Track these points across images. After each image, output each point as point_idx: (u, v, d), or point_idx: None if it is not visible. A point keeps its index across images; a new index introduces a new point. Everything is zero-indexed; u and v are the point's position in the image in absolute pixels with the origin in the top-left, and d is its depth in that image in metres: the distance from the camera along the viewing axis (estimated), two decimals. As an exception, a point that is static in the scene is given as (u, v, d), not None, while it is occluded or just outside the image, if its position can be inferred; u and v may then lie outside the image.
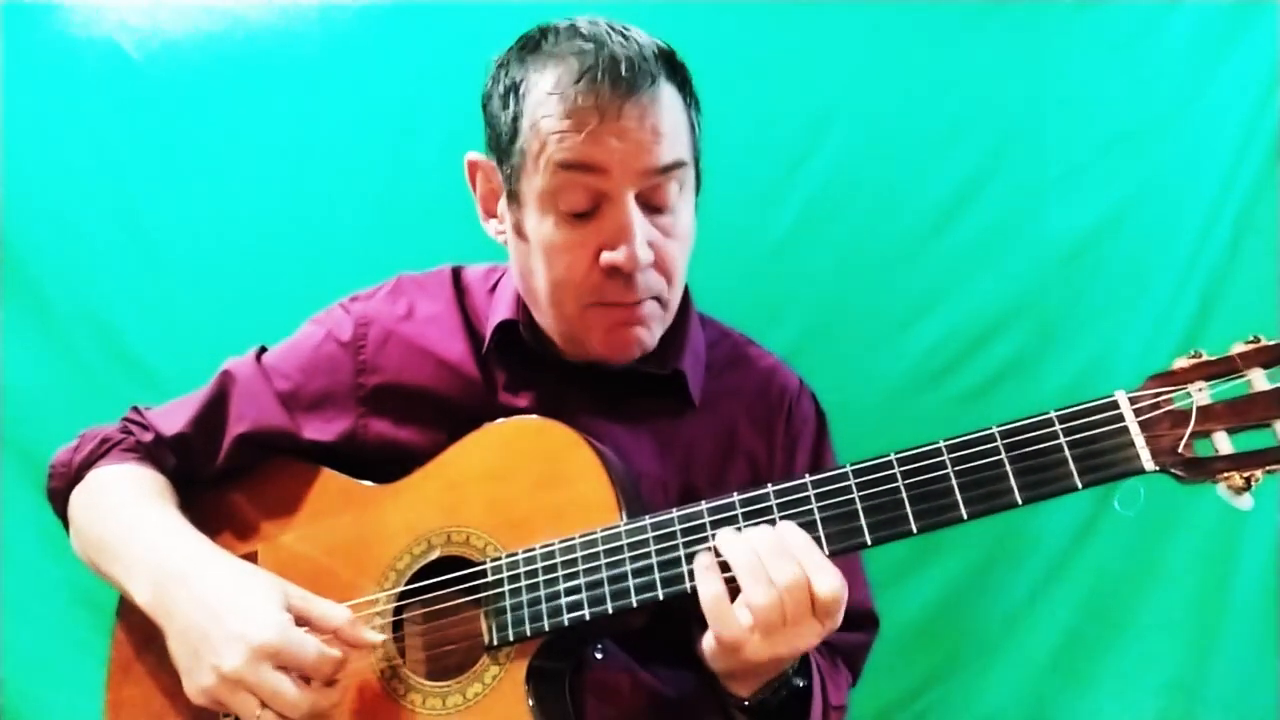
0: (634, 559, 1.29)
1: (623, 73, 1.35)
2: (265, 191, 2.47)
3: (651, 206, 1.42)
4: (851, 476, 1.23)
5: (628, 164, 1.37)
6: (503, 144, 1.47)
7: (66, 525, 1.61)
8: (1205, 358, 1.13)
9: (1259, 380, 1.09)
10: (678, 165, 1.41)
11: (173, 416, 1.62)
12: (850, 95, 2.49)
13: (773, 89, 2.49)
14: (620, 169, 1.37)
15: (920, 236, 2.47)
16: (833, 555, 1.23)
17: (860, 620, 1.65)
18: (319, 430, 1.57)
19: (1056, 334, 2.44)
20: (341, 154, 2.47)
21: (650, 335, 1.47)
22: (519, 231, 1.48)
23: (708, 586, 1.24)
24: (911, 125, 2.49)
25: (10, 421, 2.40)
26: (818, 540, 1.23)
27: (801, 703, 1.38)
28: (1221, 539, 2.34)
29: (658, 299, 1.45)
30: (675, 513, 1.30)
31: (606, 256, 1.38)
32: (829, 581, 1.20)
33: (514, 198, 1.47)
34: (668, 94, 1.41)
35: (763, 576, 1.21)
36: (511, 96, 1.43)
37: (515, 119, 1.42)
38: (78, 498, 1.58)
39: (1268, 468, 1.07)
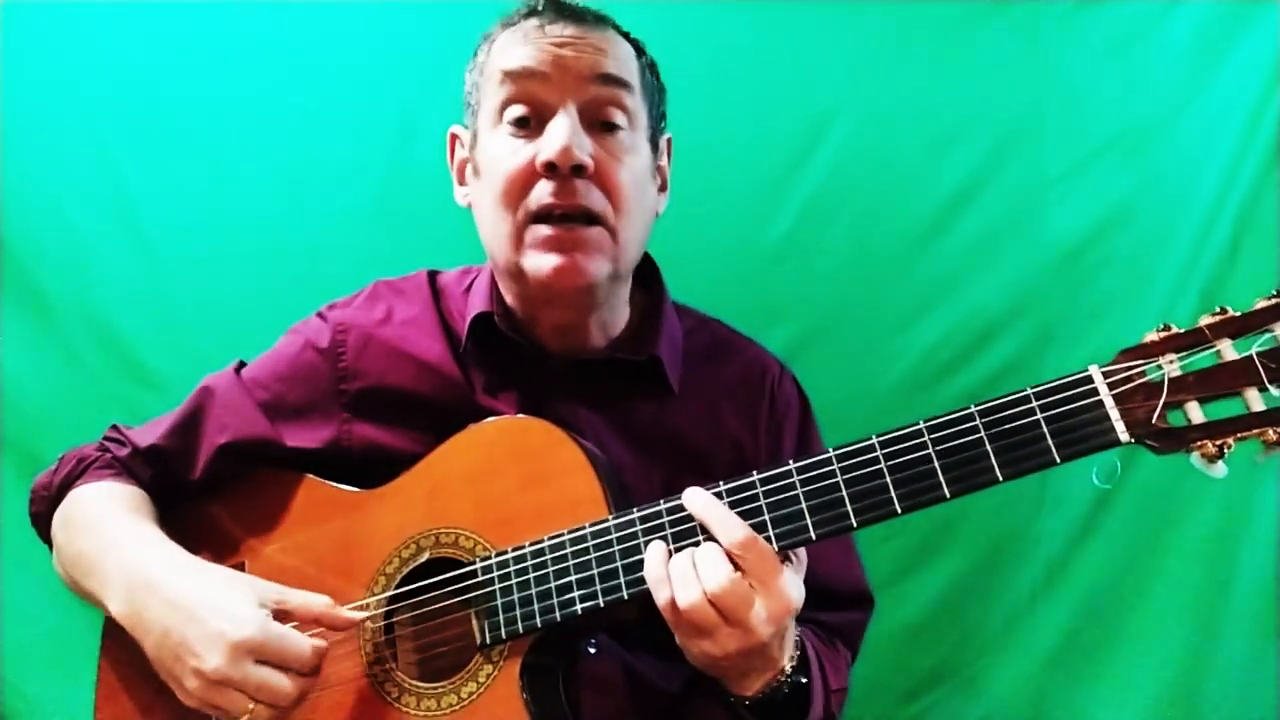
0: (624, 552, 1.30)
1: (569, 4, 1.50)
2: (265, 191, 2.47)
3: (596, 126, 1.48)
4: (835, 461, 1.26)
5: (567, 68, 1.45)
6: (470, 93, 1.56)
7: (51, 547, 1.62)
8: (1174, 330, 1.16)
9: (1227, 350, 1.13)
10: (621, 82, 1.49)
11: (149, 431, 1.64)
12: (850, 95, 2.48)
13: (773, 89, 2.49)
14: (560, 74, 1.45)
15: (920, 236, 2.47)
16: (820, 539, 1.25)
17: (855, 599, 1.68)
18: (302, 438, 1.58)
19: (1056, 334, 2.43)
20: (341, 154, 2.47)
21: (594, 265, 1.47)
22: (476, 169, 1.54)
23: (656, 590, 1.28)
24: (911, 125, 2.48)
25: (10, 421, 2.41)
26: (803, 526, 1.25)
27: (804, 696, 1.39)
28: (1221, 539, 2.33)
29: (602, 223, 1.47)
30: (663, 504, 1.31)
31: (541, 154, 1.42)
32: (716, 578, 1.22)
33: (475, 138, 1.54)
34: (615, 36, 1.52)
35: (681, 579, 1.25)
36: (479, 48, 1.55)
37: (479, 64, 1.54)
38: (57, 519, 1.59)
39: (1239, 435, 1.10)
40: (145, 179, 2.46)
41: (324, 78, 2.48)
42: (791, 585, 1.26)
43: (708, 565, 1.23)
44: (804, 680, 1.37)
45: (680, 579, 1.24)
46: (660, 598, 1.25)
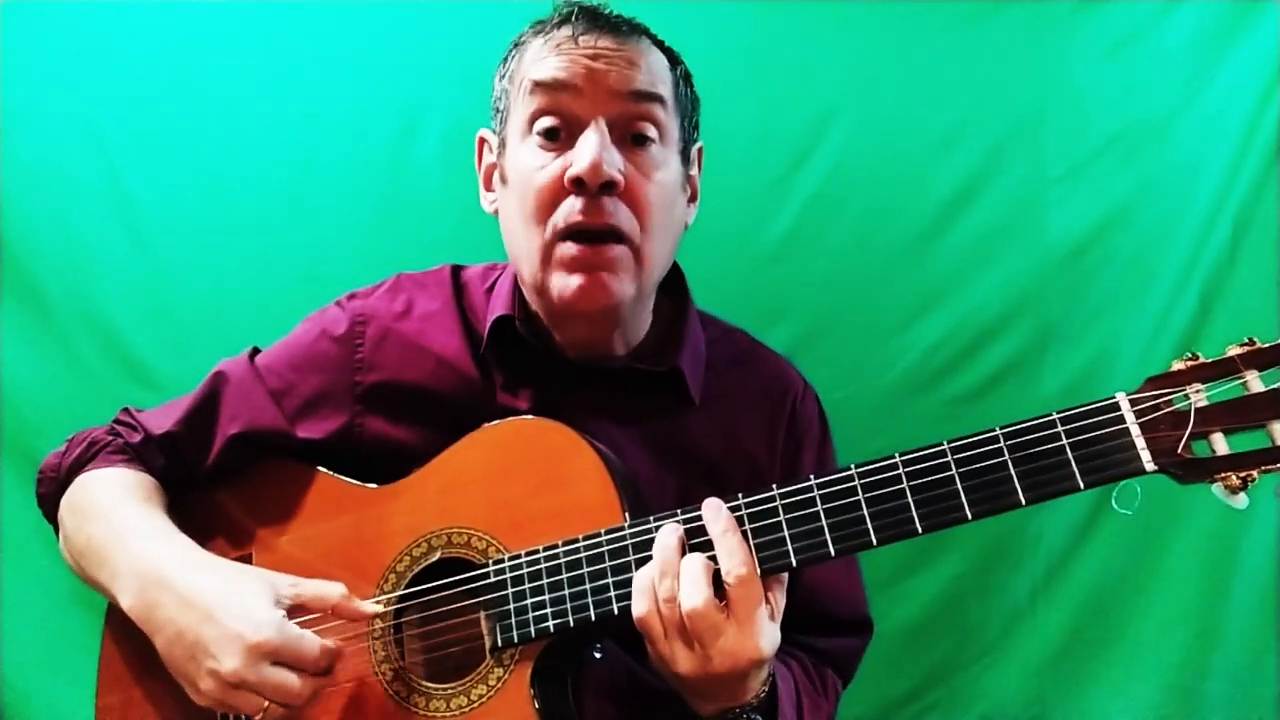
0: (640, 561, 1.29)
1: (603, 13, 1.47)
2: (265, 191, 2.47)
3: (627, 140, 1.45)
4: (857, 478, 1.24)
5: (599, 82, 1.42)
6: (499, 100, 1.54)
7: (57, 530, 1.61)
8: (1202, 360, 1.15)
9: (1254, 382, 1.12)
10: (654, 97, 1.46)
11: (163, 416, 1.62)
12: (850, 95, 2.49)
13: (773, 89, 2.49)
14: (591, 88, 1.42)
15: (920, 236, 2.47)
16: (839, 555, 1.24)
17: (855, 625, 1.67)
18: (313, 429, 1.57)
19: (1056, 334, 2.44)
20: (342, 153, 2.47)
21: (619, 285, 1.46)
22: (504, 178, 1.52)
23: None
24: (911, 125, 2.49)
25: (10, 421, 2.40)
26: (822, 542, 1.24)
27: None
28: (1221, 540, 2.35)
29: (629, 244, 1.45)
30: (680, 514, 1.30)
31: (570, 170, 1.40)
32: (694, 597, 1.22)
33: (503, 146, 1.52)
34: (649, 47, 1.49)
35: (648, 589, 1.25)
36: (510, 54, 1.53)
37: (509, 71, 1.51)
38: (65, 502, 1.57)
39: (1264, 468, 1.09)
40: (145, 179, 2.45)
41: (324, 78, 2.48)
42: (765, 634, 1.24)
43: (689, 578, 1.23)
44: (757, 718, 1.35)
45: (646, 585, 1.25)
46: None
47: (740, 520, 1.27)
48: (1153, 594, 2.38)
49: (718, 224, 2.39)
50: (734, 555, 1.24)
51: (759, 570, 1.25)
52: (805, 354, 2.33)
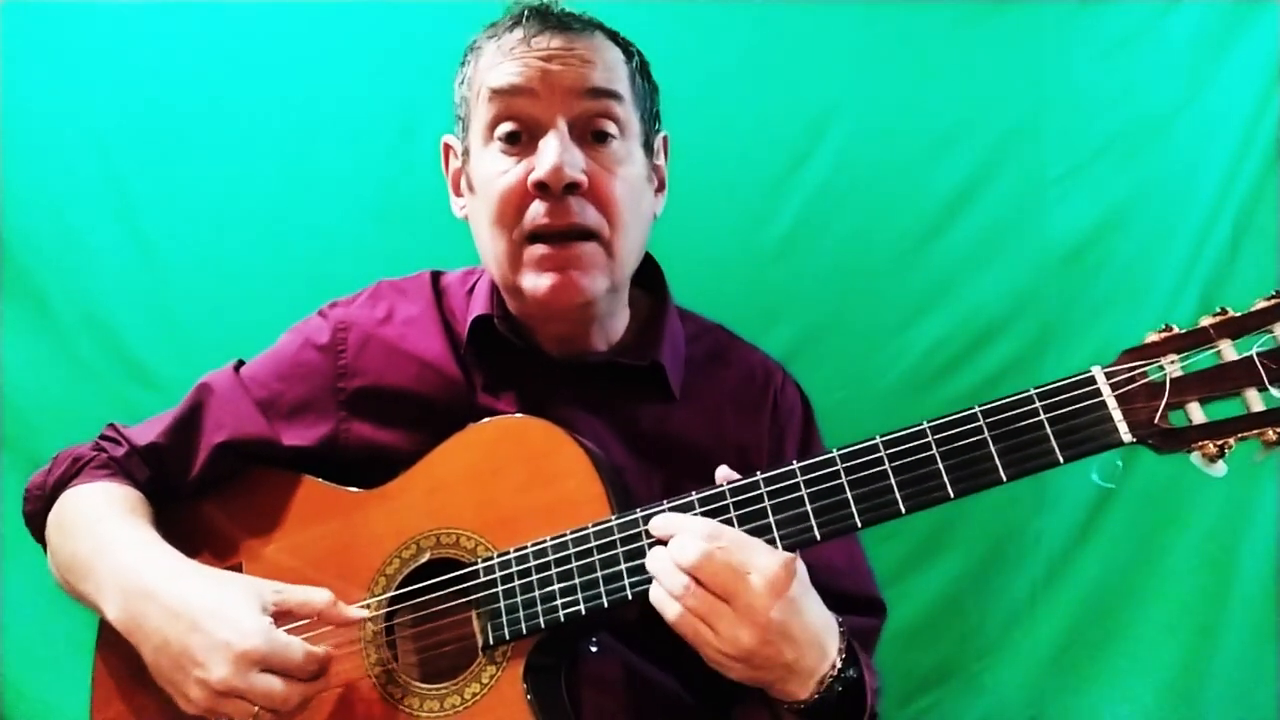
0: (627, 554, 1.30)
1: (553, 11, 1.47)
2: (265, 191, 2.47)
3: (588, 138, 1.46)
4: (839, 461, 1.25)
5: (554, 84, 1.43)
6: (460, 106, 1.55)
7: (46, 548, 1.62)
8: (1176, 331, 1.16)
9: (1228, 351, 1.13)
10: (610, 94, 1.47)
11: (147, 429, 1.63)
12: (850, 95, 2.48)
13: (773, 89, 2.49)
14: (547, 90, 1.43)
15: (920, 236, 2.47)
16: (825, 539, 1.24)
17: (869, 606, 1.67)
18: (299, 436, 1.58)
19: (1056, 334, 2.44)
20: (341, 154, 2.48)
21: (591, 282, 1.47)
22: (471, 186, 1.53)
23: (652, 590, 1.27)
24: (911, 125, 2.48)
25: (10, 421, 2.41)
26: (808, 527, 1.25)
27: (857, 693, 1.34)
28: (1222, 539, 2.34)
29: (598, 239, 1.46)
30: (666, 504, 1.31)
31: (533, 174, 1.41)
32: (692, 547, 1.22)
33: (467, 154, 1.53)
34: (603, 41, 1.50)
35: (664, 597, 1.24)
36: (466, 59, 1.53)
37: (467, 76, 1.52)
38: (51, 520, 1.59)
39: (1239, 435, 1.11)
40: (145, 179, 2.46)
41: (324, 79, 2.48)
42: (769, 550, 1.24)
43: (679, 547, 1.23)
44: (853, 675, 1.32)
45: (663, 571, 1.24)
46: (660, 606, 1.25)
47: (726, 509, 1.28)
48: (1153, 594, 2.38)
49: (718, 224, 2.41)
50: (693, 524, 1.25)
51: None
52: (805, 354, 2.34)
